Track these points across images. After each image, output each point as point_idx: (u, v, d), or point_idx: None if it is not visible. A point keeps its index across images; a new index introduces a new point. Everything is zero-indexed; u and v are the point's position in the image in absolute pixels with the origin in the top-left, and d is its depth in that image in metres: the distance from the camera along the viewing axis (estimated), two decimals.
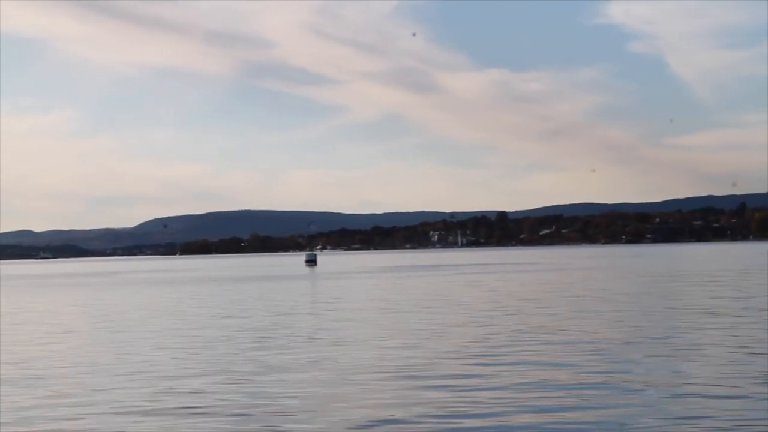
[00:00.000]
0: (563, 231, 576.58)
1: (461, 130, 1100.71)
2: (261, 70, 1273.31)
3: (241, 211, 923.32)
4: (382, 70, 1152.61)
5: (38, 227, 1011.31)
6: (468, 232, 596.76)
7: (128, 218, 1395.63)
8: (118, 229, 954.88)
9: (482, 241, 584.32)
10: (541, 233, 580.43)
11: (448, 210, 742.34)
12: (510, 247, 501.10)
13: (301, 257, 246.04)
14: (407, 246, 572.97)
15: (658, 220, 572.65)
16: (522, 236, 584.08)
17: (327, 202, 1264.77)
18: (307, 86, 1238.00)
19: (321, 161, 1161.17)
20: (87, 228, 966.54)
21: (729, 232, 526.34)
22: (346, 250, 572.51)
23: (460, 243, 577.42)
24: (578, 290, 71.94)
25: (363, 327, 44.36)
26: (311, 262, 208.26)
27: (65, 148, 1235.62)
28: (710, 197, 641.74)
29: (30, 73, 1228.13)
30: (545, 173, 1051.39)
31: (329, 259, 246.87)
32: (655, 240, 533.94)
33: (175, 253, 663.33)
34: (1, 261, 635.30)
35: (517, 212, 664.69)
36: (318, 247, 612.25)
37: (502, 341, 35.48)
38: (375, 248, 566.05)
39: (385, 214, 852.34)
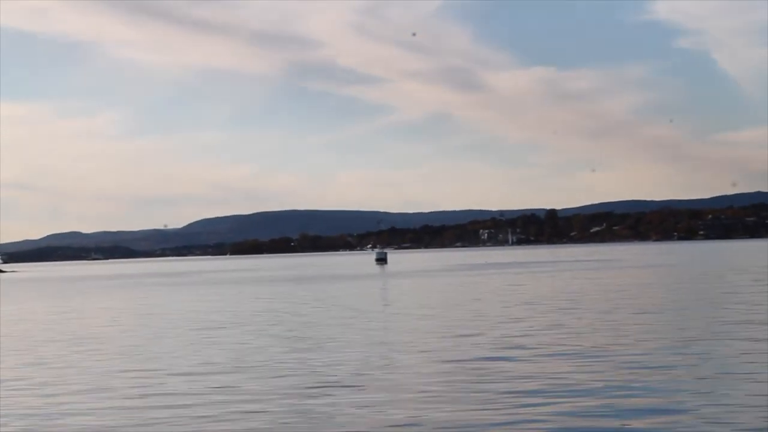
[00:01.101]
0: (614, 228, 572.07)
1: (507, 129, 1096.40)
2: (308, 71, 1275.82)
3: (288, 211, 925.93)
4: (428, 69, 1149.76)
5: (87, 229, 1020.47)
6: (518, 230, 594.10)
7: (175, 219, 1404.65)
8: (165, 229, 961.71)
9: (532, 239, 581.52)
10: (591, 231, 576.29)
11: (494, 209, 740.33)
12: (561, 245, 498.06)
13: (360, 256, 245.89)
14: (457, 245, 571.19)
15: (710, 216, 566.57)
16: (572, 234, 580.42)
17: (373, 202, 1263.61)
18: (353, 86, 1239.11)
19: (367, 161, 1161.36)
20: (135, 229, 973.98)
21: None
22: (396, 249, 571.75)
23: (510, 241, 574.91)
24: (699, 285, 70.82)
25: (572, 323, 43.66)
26: (381, 260, 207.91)
27: (113, 150, 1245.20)
28: (759, 193, 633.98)
29: (78, 76, 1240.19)
30: (591, 171, 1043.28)
31: (394, 258, 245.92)
32: (708, 236, 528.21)
33: (224, 253, 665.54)
34: (56, 262, 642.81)
35: (564, 210, 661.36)
36: (368, 246, 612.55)
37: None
38: (425, 247, 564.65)
39: (431, 213, 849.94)
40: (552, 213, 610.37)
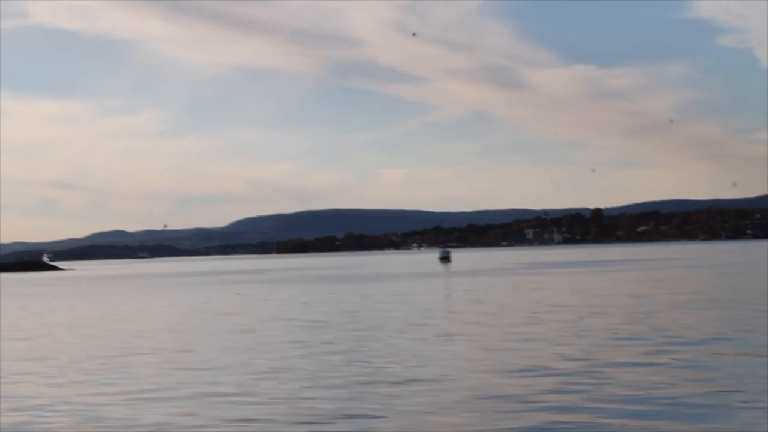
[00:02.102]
0: (661, 227, 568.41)
1: (548, 127, 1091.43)
2: (348, 69, 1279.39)
3: (330, 210, 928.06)
4: (469, 67, 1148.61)
5: (131, 227, 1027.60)
6: (563, 229, 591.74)
7: (218, 218, 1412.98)
8: (208, 228, 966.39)
9: (578, 238, 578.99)
10: (638, 230, 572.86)
11: (537, 207, 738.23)
12: (608, 245, 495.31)
13: (417, 255, 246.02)
14: (503, 244, 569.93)
15: (758, 215, 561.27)
16: (618, 233, 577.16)
17: (415, 201, 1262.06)
18: (394, 84, 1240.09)
19: (409, 160, 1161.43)
20: (178, 228, 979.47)
21: None
22: (441, 247, 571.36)
23: (556, 240, 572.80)
24: None
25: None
26: (445, 259, 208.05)
27: (155, 149, 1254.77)
28: None
29: (121, 74, 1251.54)
30: (634, 170, 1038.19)
31: (460, 257, 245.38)
32: (756, 236, 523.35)
33: (269, 252, 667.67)
34: (102, 260, 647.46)
35: (607, 209, 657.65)
36: (414, 245, 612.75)
37: None
38: (470, 246, 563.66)
39: (474, 212, 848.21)
40: (597, 212, 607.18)
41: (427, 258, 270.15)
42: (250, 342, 40.50)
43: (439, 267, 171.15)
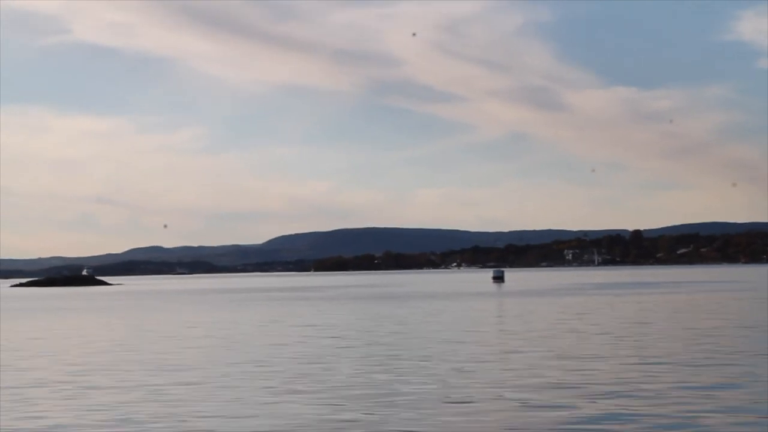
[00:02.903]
0: (702, 250, 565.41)
1: (587, 149, 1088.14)
2: (387, 88, 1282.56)
3: (367, 228, 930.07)
4: (508, 88, 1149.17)
5: (168, 243, 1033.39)
6: (603, 250, 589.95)
7: (255, 235, 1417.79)
8: (245, 245, 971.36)
9: (618, 259, 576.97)
10: (678, 252, 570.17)
11: (575, 228, 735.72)
12: (648, 267, 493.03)
13: (464, 274, 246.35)
14: (543, 264, 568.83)
15: None
16: (659, 255, 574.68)
17: (452, 220, 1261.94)
18: (433, 104, 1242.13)
19: (446, 179, 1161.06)
20: (215, 244, 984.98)
21: None
22: (481, 267, 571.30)
23: (596, 261, 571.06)
24: None
25: None
26: (499, 278, 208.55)
27: (193, 165, 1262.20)
28: None
29: (159, 91, 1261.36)
30: (673, 192, 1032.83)
31: (512, 277, 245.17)
32: None
33: (307, 270, 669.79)
34: (142, 276, 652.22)
35: (645, 231, 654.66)
36: (453, 264, 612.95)
37: None
38: (510, 266, 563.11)
39: (511, 232, 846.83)
40: (637, 234, 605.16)
41: (474, 277, 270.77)
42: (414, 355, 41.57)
43: (493, 286, 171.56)
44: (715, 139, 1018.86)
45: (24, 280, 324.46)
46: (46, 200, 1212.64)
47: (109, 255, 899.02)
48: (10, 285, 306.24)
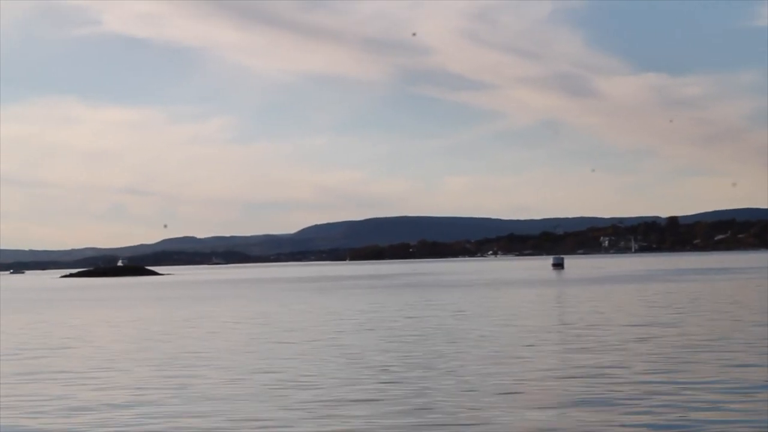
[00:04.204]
0: (739, 236, 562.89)
1: (618, 135, 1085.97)
2: (418, 77, 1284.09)
3: (399, 217, 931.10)
4: (538, 75, 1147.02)
5: (201, 233, 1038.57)
6: (639, 237, 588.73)
7: (286, 224, 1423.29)
8: (277, 235, 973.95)
9: (654, 246, 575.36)
10: (716, 239, 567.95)
11: (607, 216, 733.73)
12: (685, 253, 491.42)
13: (522, 261, 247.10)
14: (579, 252, 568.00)
15: None
16: (696, 241, 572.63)
17: (483, 208, 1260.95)
18: (463, 92, 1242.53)
19: (477, 167, 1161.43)
20: (247, 234, 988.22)
21: None
22: (517, 255, 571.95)
23: (633, 249, 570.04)
24: None
25: None
26: (558, 265, 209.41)
27: (224, 156, 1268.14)
28: None
29: (190, 82, 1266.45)
30: (705, 178, 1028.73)
31: (571, 263, 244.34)
32: None
33: (343, 259, 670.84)
34: (176, 266, 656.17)
35: (679, 218, 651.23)
36: (489, 252, 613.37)
37: None
38: (545, 253, 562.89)
39: (543, 219, 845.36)
40: (673, 220, 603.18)
41: (530, 264, 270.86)
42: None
43: (553, 274, 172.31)
44: (746, 125, 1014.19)
45: (73, 271, 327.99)
46: (78, 192, 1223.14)
47: (141, 245, 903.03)
48: (60, 276, 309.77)
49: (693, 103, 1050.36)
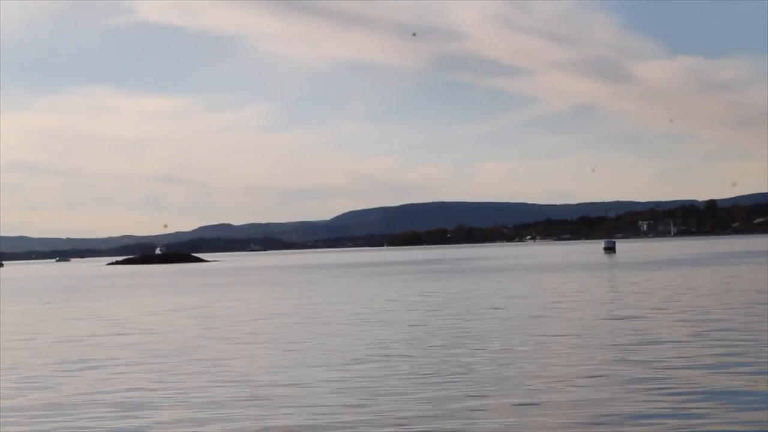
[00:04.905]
0: None
1: (654, 119, 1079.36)
2: (452, 63, 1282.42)
3: (434, 203, 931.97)
4: (573, 60, 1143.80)
5: (236, 221, 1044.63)
6: (677, 221, 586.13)
7: (322, 211, 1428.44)
8: (313, 221, 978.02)
9: (693, 230, 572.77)
10: (755, 221, 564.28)
11: (643, 200, 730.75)
12: (726, 236, 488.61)
13: (572, 245, 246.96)
14: (618, 236, 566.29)
15: None
16: (735, 225, 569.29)
17: (518, 194, 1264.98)
18: (498, 78, 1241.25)
19: (513, 153, 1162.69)
20: (282, 221, 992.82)
21: None
22: (555, 240, 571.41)
23: (672, 232, 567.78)
24: None
25: None
26: (610, 249, 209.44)
27: (259, 143, 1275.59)
28: None
29: (225, 70, 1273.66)
30: (741, 161, 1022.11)
31: (621, 248, 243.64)
32: None
33: (380, 245, 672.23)
34: (213, 253, 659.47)
35: (717, 201, 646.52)
36: (527, 237, 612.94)
37: None
38: (584, 238, 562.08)
39: (579, 204, 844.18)
40: (712, 204, 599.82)
41: (580, 248, 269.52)
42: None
43: (605, 258, 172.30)
44: None
45: (119, 258, 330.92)
46: (114, 180, 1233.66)
47: (178, 233, 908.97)
48: (105, 263, 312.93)
49: (729, 86, 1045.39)
